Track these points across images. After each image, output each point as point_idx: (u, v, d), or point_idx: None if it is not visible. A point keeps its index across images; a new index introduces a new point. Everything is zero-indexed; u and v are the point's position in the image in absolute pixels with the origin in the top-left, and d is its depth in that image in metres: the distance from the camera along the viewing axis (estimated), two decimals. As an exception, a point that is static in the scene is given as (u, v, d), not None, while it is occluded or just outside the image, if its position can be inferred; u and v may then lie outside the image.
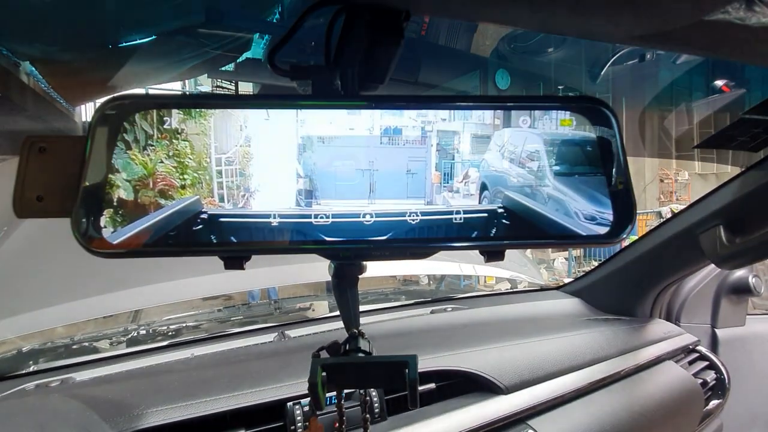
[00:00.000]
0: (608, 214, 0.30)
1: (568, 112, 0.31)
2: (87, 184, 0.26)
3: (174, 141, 0.28)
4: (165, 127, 0.28)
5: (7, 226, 1.49)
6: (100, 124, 0.26)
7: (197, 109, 0.28)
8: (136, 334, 1.33)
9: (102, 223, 0.27)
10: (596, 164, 0.31)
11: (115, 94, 0.26)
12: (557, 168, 0.30)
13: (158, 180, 0.27)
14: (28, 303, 1.28)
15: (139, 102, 0.27)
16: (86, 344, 1.26)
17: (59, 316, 1.28)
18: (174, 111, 0.28)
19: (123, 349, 1.13)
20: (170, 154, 0.28)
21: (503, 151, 0.30)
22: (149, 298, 1.42)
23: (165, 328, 1.38)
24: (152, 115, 0.28)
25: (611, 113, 0.31)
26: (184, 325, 1.42)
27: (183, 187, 0.28)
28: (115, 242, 0.27)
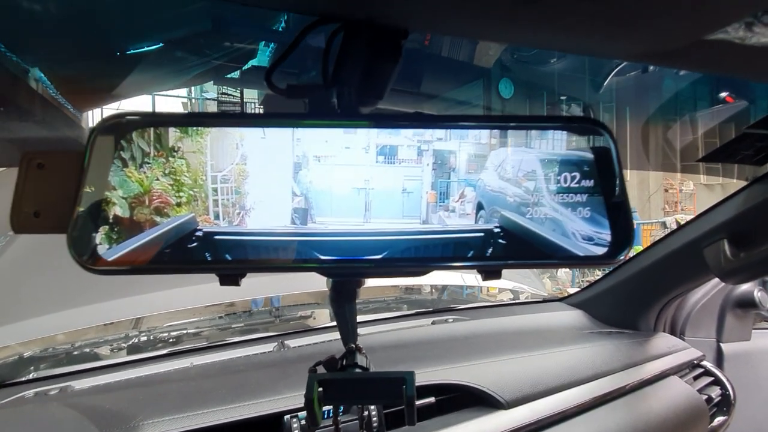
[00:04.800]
0: (606, 235, 0.30)
1: (565, 132, 0.31)
2: (83, 200, 0.26)
3: (170, 159, 0.28)
4: (161, 144, 0.28)
5: (9, 234, 1.50)
6: (98, 141, 0.27)
7: (194, 128, 0.28)
8: (137, 340, 1.34)
9: (97, 240, 0.27)
10: (594, 184, 0.31)
11: (113, 113, 0.27)
12: (554, 188, 0.30)
13: (154, 197, 0.27)
14: (30, 310, 1.29)
15: (137, 120, 0.28)
16: (87, 350, 1.26)
17: (61, 322, 1.29)
18: (171, 129, 0.28)
19: (122, 357, 1.13)
20: (166, 171, 0.28)
21: (500, 170, 0.30)
22: (151, 305, 1.42)
23: (166, 334, 1.38)
24: (149, 133, 0.28)
25: (609, 133, 0.30)
26: (184, 332, 1.42)
27: (179, 204, 0.28)
28: (110, 259, 0.27)
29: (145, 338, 1.36)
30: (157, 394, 0.78)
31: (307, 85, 0.32)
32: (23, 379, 0.97)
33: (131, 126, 0.27)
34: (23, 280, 1.44)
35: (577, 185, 0.30)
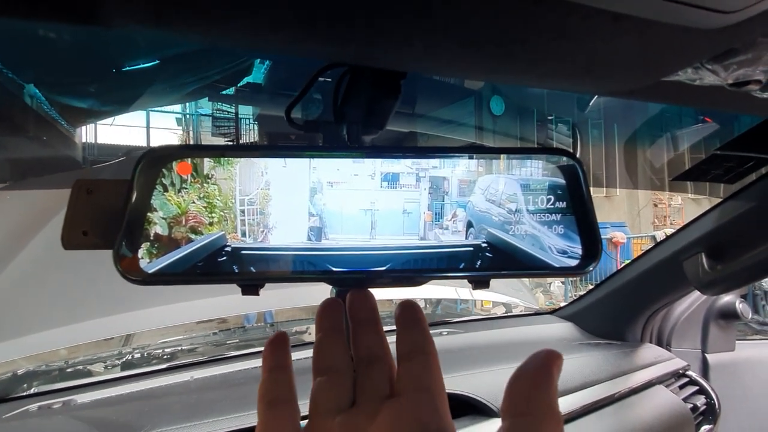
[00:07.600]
0: (578, 249, 0.35)
1: (541, 161, 0.36)
2: (128, 221, 0.30)
3: (205, 184, 0.33)
4: (197, 172, 0.33)
5: (8, 250, 1.51)
6: (143, 170, 0.31)
7: (225, 158, 0.33)
8: (130, 357, 1.34)
9: (139, 255, 0.31)
10: (566, 205, 0.36)
11: (157, 146, 0.31)
12: (533, 208, 0.35)
13: (190, 218, 0.32)
14: (28, 326, 1.30)
15: (176, 152, 0.32)
16: (80, 367, 1.26)
17: (57, 339, 1.30)
18: (206, 159, 0.33)
19: (122, 372, 1.14)
20: (201, 195, 0.33)
21: (486, 193, 0.35)
22: (145, 321, 1.44)
23: (160, 351, 1.39)
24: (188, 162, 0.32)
25: (577, 162, 0.36)
26: (179, 348, 1.43)
27: (211, 224, 0.32)
28: (150, 271, 0.31)
29: (139, 354, 1.37)
30: (161, 405, 0.80)
31: (321, 121, 0.37)
32: (24, 393, 0.98)
33: (172, 156, 0.32)
34: (21, 297, 1.45)
35: (552, 206, 0.35)
